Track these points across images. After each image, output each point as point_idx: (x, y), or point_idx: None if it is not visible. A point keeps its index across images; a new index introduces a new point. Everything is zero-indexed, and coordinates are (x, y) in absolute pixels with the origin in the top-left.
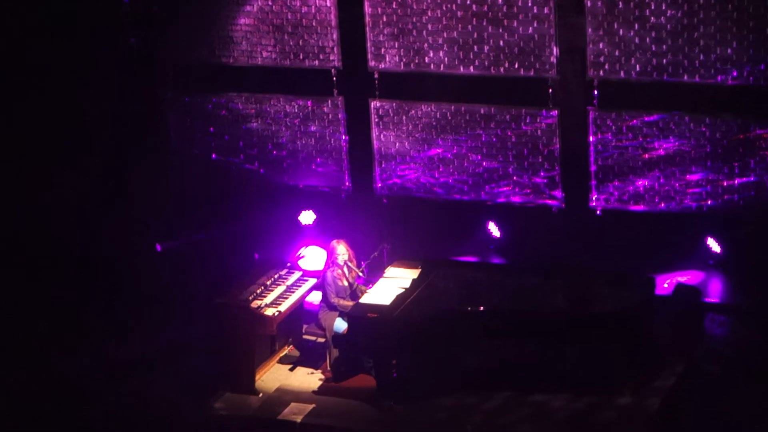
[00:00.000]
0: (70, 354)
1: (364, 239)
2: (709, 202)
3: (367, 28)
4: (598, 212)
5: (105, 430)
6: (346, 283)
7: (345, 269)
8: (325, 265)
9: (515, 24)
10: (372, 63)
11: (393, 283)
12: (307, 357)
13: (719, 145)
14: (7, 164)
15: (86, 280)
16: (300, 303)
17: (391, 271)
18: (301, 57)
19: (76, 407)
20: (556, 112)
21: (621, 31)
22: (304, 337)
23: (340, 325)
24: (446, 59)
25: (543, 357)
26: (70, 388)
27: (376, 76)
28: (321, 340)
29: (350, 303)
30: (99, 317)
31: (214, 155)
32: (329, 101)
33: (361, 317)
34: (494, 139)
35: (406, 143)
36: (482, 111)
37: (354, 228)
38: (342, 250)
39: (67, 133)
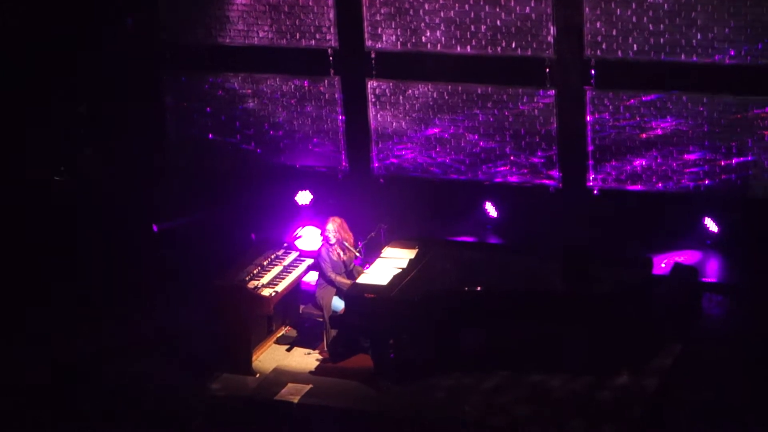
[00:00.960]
0: (67, 335)
1: (361, 219)
2: (706, 182)
3: (364, 8)
4: (595, 192)
5: (103, 412)
6: (340, 259)
7: (337, 247)
8: (321, 242)
9: (512, 3)
10: (369, 43)
11: (390, 263)
12: (304, 337)
13: (717, 125)
14: (1, 143)
15: (83, 261)
16: (297, 283)
17: (388, 251)
18: (297, 37)
19: (73, 389)
20: (554, 91)
21: (618, 11)
22: (302, 315)
23: (338, 303)
24: (443, 39)
25: (540, 337)
26: (68, 369)
27: (372, 55)
28: (319, 319)
29: (348, 281)
30: (96, 298)
31: (210, 135)
32: (326, 81)
33: (359, 297)
34: (491, 119)
35: (403, 123)
36: (479, 91)
37: (351, 208)
38: (331, 227)
39: (63, 113)
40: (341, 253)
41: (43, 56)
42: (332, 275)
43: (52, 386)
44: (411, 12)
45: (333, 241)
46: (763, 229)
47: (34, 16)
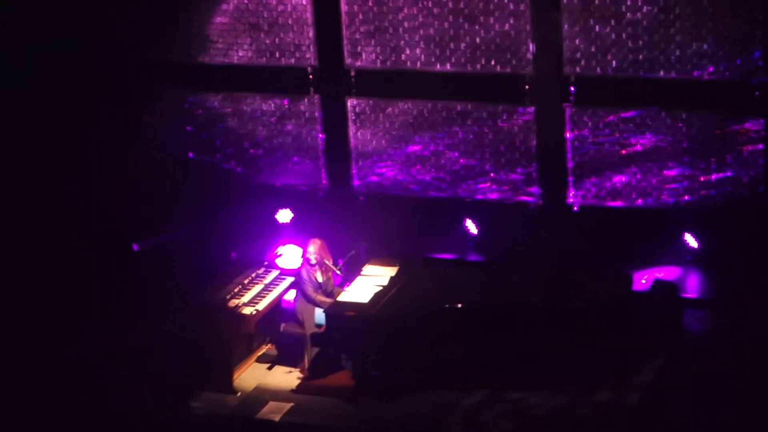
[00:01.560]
0: (45, 353)
1: (342, 237)
2: (686, 198)
3: (344, 26)
4: (575, 208)
5: (81, 429)
6: (321, 280)
7: (317, 267)
8: (301, 264)
9: (491, 21)
10: (348, 61)
11: (371, 281)
12: (286, 355)
13: (696, 141)
14: None
15: (63, 279)
16: (277, 302)
17: (369, 269)
18: (277, 55)
19: (51, 407)
20: (533, 108)
21: (597, 28)
22: (283, 333)
23: (321, 317)
24: (423, 56)
25: (522, 353)
26: (47, 388)
27: (352, 73)
28: (300, 335)
29: (328, 300)
30: (76, 316)
31: (191, 154)
32: (306, 99)
33: (339, 315)
34: (471, 136)
35: (383, 141)
36: (459, 108)
37: (331, 226)
38: (311, 249)
39: (42, 132)
40: (321, 275)
41: (19, 74)
42: (313, 295)
43: (29, 405)
44: (390, 30)
45: (313, 261)
46: (742, 245)
47: (10, 31)
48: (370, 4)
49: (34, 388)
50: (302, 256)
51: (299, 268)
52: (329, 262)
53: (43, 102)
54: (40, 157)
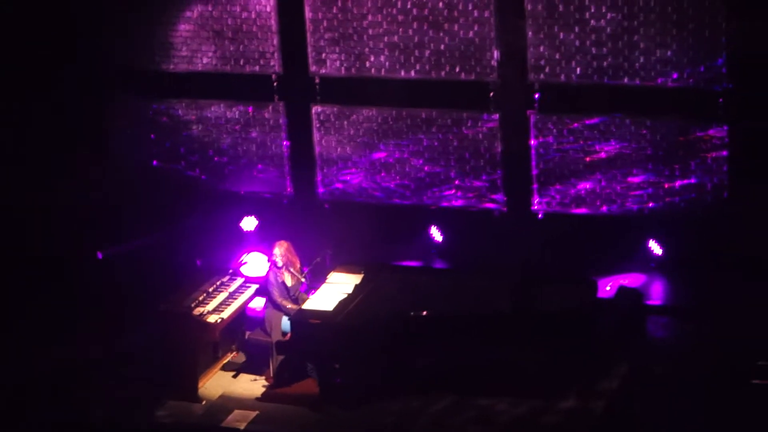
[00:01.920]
0: (6, 361)
1: (307, 245)
2: (650, 205)
3: (308, 33)
4: (539, 216)
5: None
6: (289, 284)
7: (284, 269)
8: (269, 267)
9: (456, 28)
10: (313, 68)
11: (336, 289)
12: (251, 363)
13: (660, 148)
14: None
15: (26, 287)
16: (242, 309)
17: (334, 277)
18: (241, 63)
19: (13, 416)
20: (498, 115)
21: (561, 35)
22: (248, 341)
23: (287, 325)
24: (387, 63)
25: (487, 360)
26: (7, 396)
27: (317, 81)
28: (266, 343)
29: (294, 306)
30: (39, 324)
31: (155, 162)
32: (270, 107)
33: (304, 323)
34: (436, 144)
35: (348, 148)
36: (423, 115)
37: (296, 233)
38: (278, 252)
39: (6, 138)
40: (288, 278)
41: None
42: (279, 300)
43: None
44: (355, 37)
45: (280, 264)
46: (706, 251)
47: None
48: (335, 11)
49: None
50: (269, 260)
51: (266, 273)
52: (295, 269)
53: (6, 108)
54: (2, 164)
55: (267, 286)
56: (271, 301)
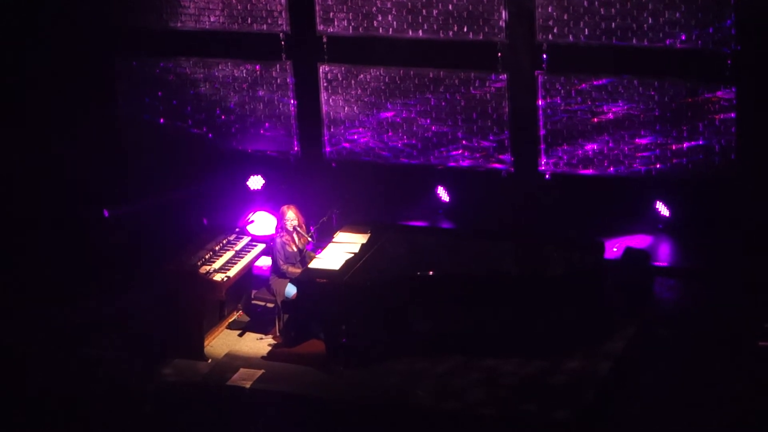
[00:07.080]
0: (15, 319)
1: (314, 204)
2: (658, 166)
3: None
4: (547, 176)
5: (53, 398)
6: (295, 249)
7: (294, 235)
8: (275, 231)
9: None
10: (320, 27)
11: (342, 248)
12: (257, 322)
13: (668, 109)
14: None
15: (34, 245)
16: (249, 268)
17: (341, 236)
18: (249, 21)
19: (22, 374)
20: (505, 75)
21: None
22: (254, 302)
23: (291, 290)
24: (395, 23)
25: (493, 321)
26: (17, 355)
27: (324, 40)
28: (270, 305)
29: (298, 270)
30: (46, 283)
31: (162, 120)
32: (278, 66)
33: (310, 282)
34: (443, 103)
35: (355, 108)
36: (431, 75)
37: (303, 193)
38: (291, 216)
39: (15, 98)
40: (296, 241)
41: None
42: (284, 267)
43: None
44: None
45: (290, 228)
46: (713, 213)
47: None
48: None
49: (4, 358)
50: (278, 224)
51: (273, 238)
52: (302, 229)
53: (12, 67)
54: (15, 124)
55: (273, 251)
56: (274, 269)
